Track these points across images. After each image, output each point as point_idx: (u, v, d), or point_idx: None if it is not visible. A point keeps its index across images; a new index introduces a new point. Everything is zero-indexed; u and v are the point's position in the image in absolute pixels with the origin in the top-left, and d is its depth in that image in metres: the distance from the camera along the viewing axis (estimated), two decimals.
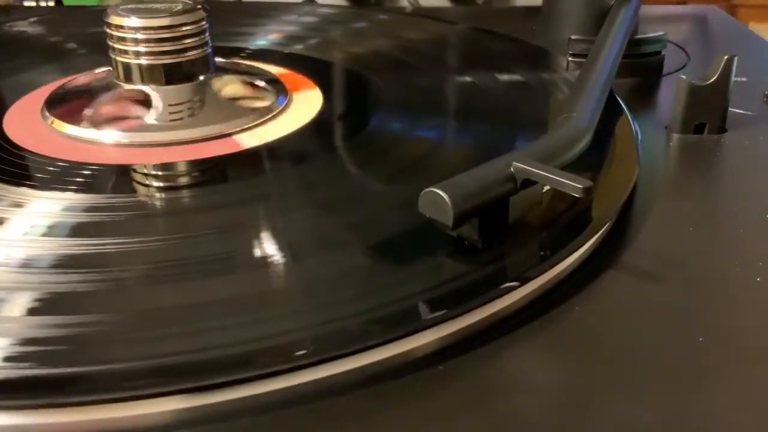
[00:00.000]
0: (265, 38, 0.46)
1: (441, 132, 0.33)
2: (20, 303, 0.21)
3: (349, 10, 0.55)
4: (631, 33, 0.39)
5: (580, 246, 0.24)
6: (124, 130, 0.32)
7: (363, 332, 0.20)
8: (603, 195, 0.27)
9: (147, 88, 0.33)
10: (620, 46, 0.36)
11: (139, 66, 0.33)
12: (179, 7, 0.34)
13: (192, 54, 0.34)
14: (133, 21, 0.32)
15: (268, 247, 0.24)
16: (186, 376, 0.19)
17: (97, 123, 0.32)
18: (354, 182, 0.29)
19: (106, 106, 0.33)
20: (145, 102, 0.33)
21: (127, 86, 0.34)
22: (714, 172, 0.32)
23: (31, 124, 0.33)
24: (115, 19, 0.33)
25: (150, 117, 0.33)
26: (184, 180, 0.30)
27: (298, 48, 0.44)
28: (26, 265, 0.23)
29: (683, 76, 0.33)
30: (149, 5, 0.34)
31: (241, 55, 0.42)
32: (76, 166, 0.29)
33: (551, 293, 0.23)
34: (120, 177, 0.29)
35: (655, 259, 0.25)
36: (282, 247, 0.24)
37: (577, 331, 0.22)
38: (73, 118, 0.33)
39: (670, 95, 0.34)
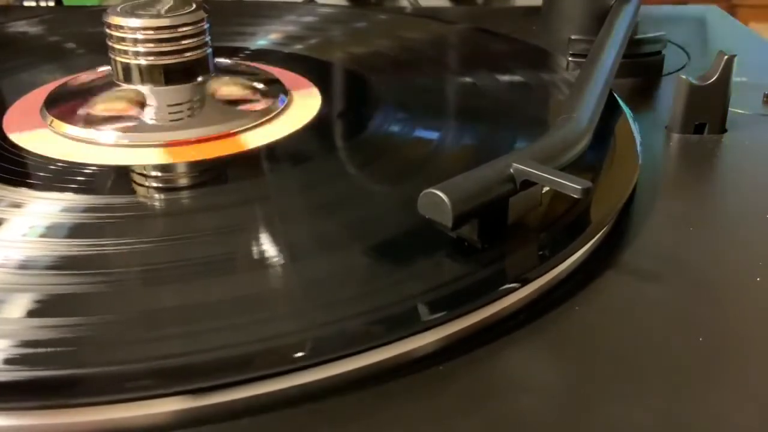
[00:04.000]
0: (265, 38, 0.46)
1: (441, 132, 0.33)
2: (19, 304, 0.21)
3: (349, 10, 0.55)
4: (631, 33, 0.39)
5: (580, 247, 0.24)
6: (123, 131, 0.32)
7: (363, 333, 0.20)
8: (603, 195, 0.27)
9: (146, 89, 0.33)
10: (620, 46, 0.36)
11: (139, 66, 0.33)
12: (179, 7, 0.33)
13: (192, 54, 0.33)
14: (133, 21, 0.32)
15: (268, 247, 0.24)
16: (186, 378, 0.19)
17: (96, 123, 0.32)
18: (354, 183, 0.29)
19: (105, 107, 0.33)
20: (145, 102, 0.33)
21: (127, 86, 0.34)
22: (714, 172, 0.32)
23: (30, 124, 0.33)
24: (114, 19, 0.33)
25: (149, 117, 0.33)
26: (183, 181, 0.30)
27: (298, 48, 0.44)
28: (25, 266, 0.23)
29: (683, 76, 0.33)
30: (149, 5, 0.34)
31: (241, 55, 0.42)
32: (75, 167, 0.29)
33: (551, 294, 0.23)
34: (119, 178, 0.29)
35: (655, 259, 0.25)
36: (282, 247, 0.24)
37: (577, 331, 0.22)
38: (73, 118, 0.33)
39: (670, 95, 0.34)
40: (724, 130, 0.34)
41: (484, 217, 0.23)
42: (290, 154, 0.31)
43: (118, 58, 0.34)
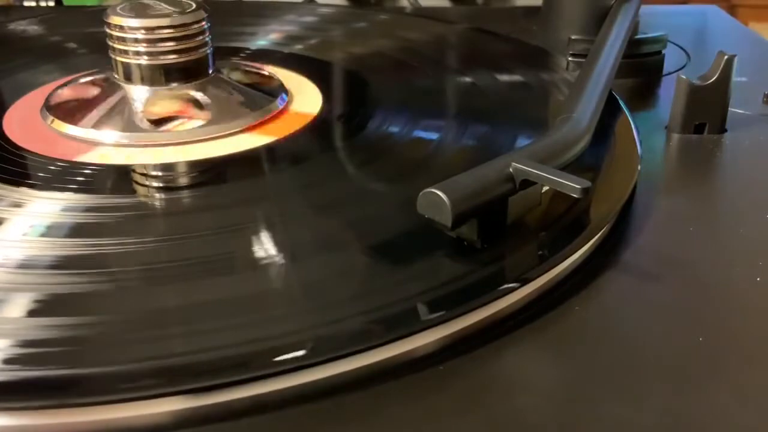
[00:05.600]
0: (265, 38, 0.46)
1: (440, 132, 0.33)
2: (19, 304, 0.21)
3: (349, 10, 0.55)
4: (631, 33, 0.39)
5: (580, 246, 0.24)
6: (123, 130, 0.32)
7: (363, 333, 0.20)
8: (603, 195, 0.27)
9: (147, 88, 0.33)
10: (620, 46, 0.36)
11: (139, 66, 0.33)
12: (179, 7, 0.33)
13: (192, 54, 0.33)
14: (133, 21, 0.32)
15: (267, 247, 0.24)
16: (186, 377, 0.19)
17: (96, 123, 0.32)
18: (353, 183, 0.29)
19: (105, 106, 0.33)
20: (145, 102, 0.33)
21: (127, 86, 0.34)
22: (714, 172, 0.32)
23: (30, 124, 0.33)
24: (115, 19, 0.33)
25: (150, 117, 0.33)
26: (183, 180, 0.30)
27: (298, 48, 0.44)
28: (25, 265, 0.23)
29: (683, 76, 0.33)
30: (149, 5, 0.34)
31: (242, 55, 0.42)
32: (75, 166, 0.29)
33: (551, 293, 0.23)
34: (119, 177, 0.29)
35: (655, 259, 0.25)
36: (281, 247, 0.24)
37: (577, 331, 0.22)
38: (73, 118, 0.33)
39: (670, 95, 0.34)
40: (724, 130, 0.34)
41: (483, 216, 0.23)
42: (290, 154, 0.31)
43: (118, 58, 0.34)
